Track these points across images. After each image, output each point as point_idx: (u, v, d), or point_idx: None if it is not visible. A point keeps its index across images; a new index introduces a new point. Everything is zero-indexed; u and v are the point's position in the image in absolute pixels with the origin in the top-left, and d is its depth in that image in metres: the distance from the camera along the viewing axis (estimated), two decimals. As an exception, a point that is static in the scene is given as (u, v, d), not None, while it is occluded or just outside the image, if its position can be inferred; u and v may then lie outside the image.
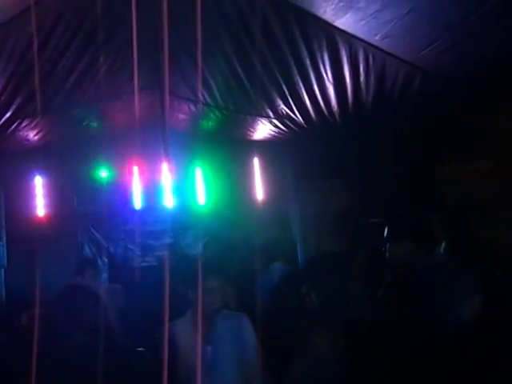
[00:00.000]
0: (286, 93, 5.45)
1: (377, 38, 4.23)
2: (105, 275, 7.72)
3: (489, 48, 4.15)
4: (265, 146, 7.49)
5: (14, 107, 5.17)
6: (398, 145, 6.36)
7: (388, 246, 3.42)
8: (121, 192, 7.61)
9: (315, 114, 5.85)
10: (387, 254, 3.47)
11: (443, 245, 3.94)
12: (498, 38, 4.00)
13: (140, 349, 2.73)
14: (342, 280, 2.98)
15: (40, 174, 7.40)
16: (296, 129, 6.44)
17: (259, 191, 7.82)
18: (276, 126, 6.50)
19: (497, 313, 2.84)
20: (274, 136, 6.98)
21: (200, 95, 5.85)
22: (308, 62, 4.77)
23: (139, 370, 2.43)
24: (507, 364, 2.47)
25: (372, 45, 4.39)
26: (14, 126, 5.74)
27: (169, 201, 7.49)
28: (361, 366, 2.73)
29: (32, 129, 6.05)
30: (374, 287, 3.68)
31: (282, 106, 5.81)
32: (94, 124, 6.69)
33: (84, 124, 6.56)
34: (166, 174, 7.36)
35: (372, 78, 4.88)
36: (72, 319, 2.55)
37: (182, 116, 6.51)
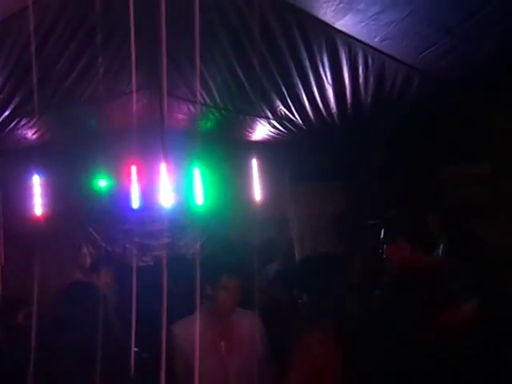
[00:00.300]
0: (285, 94, 5.45)
1: (376, 40, 4.24)
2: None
3: (487, 51, 4.16)
4: (263, 147, 7.49)
5: (12, 106, 5.16)
6: (396, 146, 6.37)
7: (385, 247, 3.42)
8: (119, 192, 7.61)
9: (314, 116, 5.85)
10: (384, 255, 3.47)
11: (441, 246, 3.94)
12: (496, 41, 4.01)
13: (135, 349, 2.72)
14: (335, 281, 2.99)
15: (38, 173, 7.40)
16: (295, 130, 6.44)
17: (257, 192, 7.83)
18: (275, 127, 6.51)
19: (495, 313, 2.85)
20: (272, 137, 6.99)
21: (199, 96, 5.85)
22: (307, 63, 4.77)
23: (136, 369, 2.42)
24: (505, 363, 2.48)
25: (371, 47, 4.40)
26: (12, 125, 5.74)
27: (167, 201, 7.49)
28: (355, 366, 2.73)
29: (30, 128, 6.05)
30: (372, 287, 3.68)
31: (281, 108, 5.81)
32: (93, 124, 6.69)
33: (82, 123, 6.56)
34: (164, 174, 7.35)
35: (371, 79, 4.88)
36: (75, 315, 2.54)
37: (180, 116, 6.51)
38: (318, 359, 2.74)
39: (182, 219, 7.81)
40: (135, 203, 7.61)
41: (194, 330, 3.17)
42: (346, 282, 3.19)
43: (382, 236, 3.47)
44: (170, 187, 7.42)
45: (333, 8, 3.86)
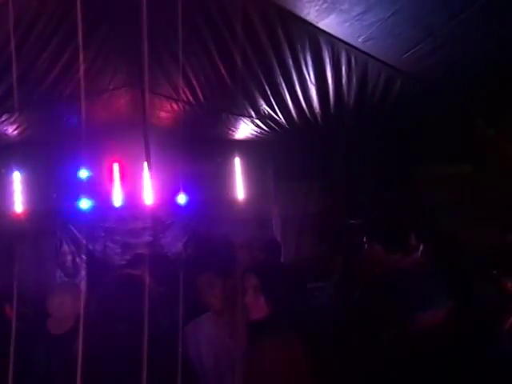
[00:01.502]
0: (269, 93, 5.45)
1: (360, 40, 4.25)
2: (83, 273, 7.70)
3: (470, 52, 4.20)
4: (246, 146, 7.49)
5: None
6: (378, 146, 6.41)
7: (365, 247, 3.44)
8: (101, 189, 7.56)
9: (297, 115, 5.86)
10: (364, 256, 3.49)
11: (420, 246, 3.97)
12: (479, 43, 4.04)
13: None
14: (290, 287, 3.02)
15: (18, 170, 7.32)
16: (278, 129, 6.45)
17: (240, 191, 7.82)
18: (258, 125, 6.51)
19: (472, 313, 2.88)
20: (255, 136, 6.99)
21: (182, 94, 5.82)
22: (291, 62, 4.78)
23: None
24: (480, 363, 2.51)
25: (354, 47, 4.41)
26: (-8, 121, 5.67)
27: (149, 199, 7.46)
28: (330, 367, 2.74)
29: (11, 124, 5.98)
30: (352, 288, 3.70)
31: (264, 106, 5.81)
32: (74, 120, 6.63)
33: (64, 120, 6.50)
34: (147, 172, 7.32)
35: (354, 79, 4.90)
36: (125, 307, 2.50)
37: (163, 114, 6.48)
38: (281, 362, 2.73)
39: (164, 217, 7.79)
40: (117, 201, 7.56)
41: (205, 329, 3.22)
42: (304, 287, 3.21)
43: (362, 236, 3.49)
44: (153, 185, 7.40)
45: (316, 8, 3.86)
